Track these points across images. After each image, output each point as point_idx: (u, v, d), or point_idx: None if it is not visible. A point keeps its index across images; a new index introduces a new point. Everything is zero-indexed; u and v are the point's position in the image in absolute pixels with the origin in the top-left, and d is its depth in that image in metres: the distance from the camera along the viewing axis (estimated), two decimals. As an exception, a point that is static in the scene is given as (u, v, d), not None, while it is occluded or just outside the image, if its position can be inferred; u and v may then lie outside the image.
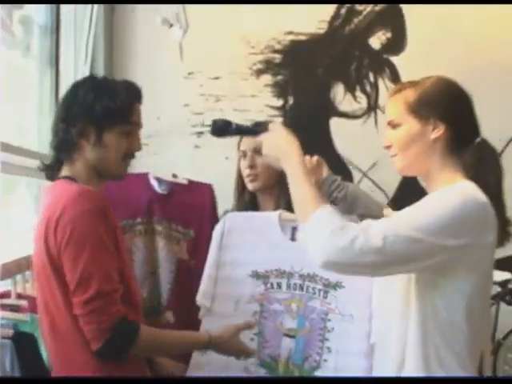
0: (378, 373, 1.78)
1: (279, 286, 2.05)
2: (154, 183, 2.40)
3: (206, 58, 4.22)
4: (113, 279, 1.64)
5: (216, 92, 4.28)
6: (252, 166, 2.30)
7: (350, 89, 4.34)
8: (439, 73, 4.10)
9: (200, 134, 4.20)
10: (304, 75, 4.29)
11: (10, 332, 1.87)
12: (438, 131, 1.64)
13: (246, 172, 2.33)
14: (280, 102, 4.31)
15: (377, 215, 2.05)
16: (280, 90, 4.33)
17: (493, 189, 1.62)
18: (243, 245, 2.08)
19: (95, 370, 1.66)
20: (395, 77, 4.36)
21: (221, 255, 2.08)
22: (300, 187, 1.60)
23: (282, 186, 2.16)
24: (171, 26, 3.48)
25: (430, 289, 1.58)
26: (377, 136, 4.15)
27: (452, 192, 1.57)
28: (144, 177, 2.41)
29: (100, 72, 3.90)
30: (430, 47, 4.22)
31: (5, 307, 2.06)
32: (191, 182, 2.44)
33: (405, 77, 4.35)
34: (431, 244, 1.48)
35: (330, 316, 2.02)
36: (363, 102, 4.36)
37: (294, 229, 2.08)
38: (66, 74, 3.44)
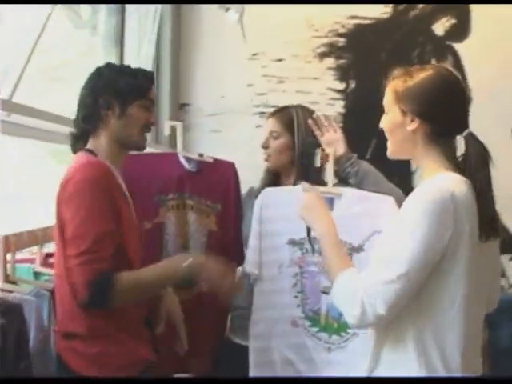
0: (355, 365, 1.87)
1: (313, 250, 2.23)
2: (184, 161, 2.53)
3: (270, 41, 4.33)
4: (102, 240, 1.84)
5: (279, 73, 4.39)
6: (265, 147, 2.42)
7: (413, 75, 4.35)
8: (502, 61, 4.09)
9: (262, 114, 4.30)
10: (366, 59, 4.33)
11: (51, 285, 2.06)
12: (413, 124, 1.71)
13: (262, 151, 2.45)
14: (342, 86, 4.37)
15: (385, 193, 2.19)
16: (342, 73, 4.39)
17: (479, 183, 1.66)
18: (279, 217, 2.29)
19: (83, 320, 1.87)
20: (458, 63, 4.34)
21: (261, 227, 2.29)
22: (329, 249, 1.75)
23: (301, 171, 2.29)
24: (227, 9, 3.61)
25: (424, 288, 1.64)
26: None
27: (418, 200, 1.60)
28: (174, 156, 2.55)
29: (166, 52, 4.09)
30: (494, 34, 4.18)
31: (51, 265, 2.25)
32: (216, 160, 2.57)
33: (468, 64, 4.33)
34: (420, 269, 1.56)
35: None
36: (425, 88, 4.36)
37: None
38: (130, 52, 3.62)
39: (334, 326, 2.27)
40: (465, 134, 1.72)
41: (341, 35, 4.35)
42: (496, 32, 4.18)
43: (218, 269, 2.00)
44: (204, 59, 4.38)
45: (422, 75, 1.75)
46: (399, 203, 2.24)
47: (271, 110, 4.32)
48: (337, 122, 2.36)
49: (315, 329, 2.27)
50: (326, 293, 2.24)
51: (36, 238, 2.12)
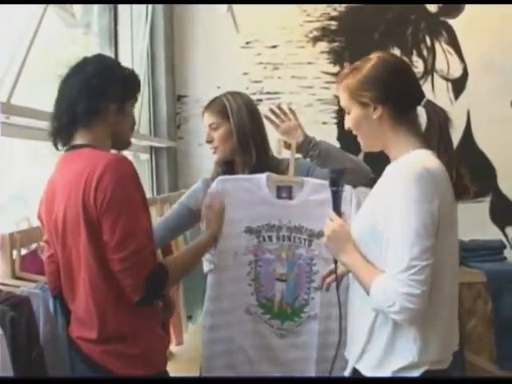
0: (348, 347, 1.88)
1: (270, 238, 2.29)
2: None
3: (263, 28, 4.37)
4: (149, 236, 1.79)
5: (273, 60, 4.43)
6: (210, 141, 2.42)
7: (407, 53, 4.37)
8: (498, 33, 4.10)
9: (259, 101, 4.34)
10: (360, 41, 4.35)
11: None
12: (377, 112, 1.74)
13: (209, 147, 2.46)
14: (336, 69, 4.40)
15: (348, 167, 2.22)
16: (336, 56, 4.42)
17: (443, 145, 1.70)
18: (236, 205, 2.27)
19: (123, 319, 1.82)
20: (453, 39, 4.37)
21: None
22: (359, 272, 1.75)
23: (243, 155, 2.36)
24: (215, 1, 3.64)
25: None
26: (434, 100, 4.17)
27: (397, 186, 1.62)
28: None
29: (160, 46, 4.13)
30: (488, 8, 4.20)
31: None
32: None
33: (463, 39, 4.35)
34: (429, 241, 1.59)
35: (315, 261, 2.28)
36: (420, 66, 4.39)
37: (279, 188, 2.30)
38: (124, 49, 3.66)
39: (287, 311, 2.29)
40: (423, 103, 1.76)
41: (333, 18, 4.38)
42: (489, 6, 4.19)
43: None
44: (198, 51, 4.42)
45: (367, 65, 1.79)
46: (365, 175, 2.31)
47: (267, 96, 4.43)
48: (292, 111, 2.38)
49: (267, 316, 2.29)
50: (282, 280, 2.28)
51: (41, 234, 2.14)
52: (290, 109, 2.38)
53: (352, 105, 1.80)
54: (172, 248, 3.13)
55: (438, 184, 1.64)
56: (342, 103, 1.83)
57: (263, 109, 4.19)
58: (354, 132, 1.83)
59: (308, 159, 2.32)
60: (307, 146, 2.30)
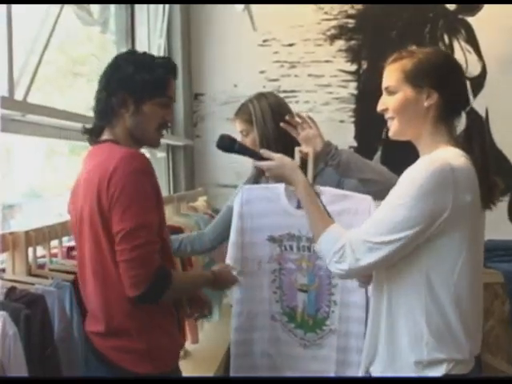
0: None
1: (291, 248, 2.31)
2: None
3: (280, 26, 4.36)
4: (155, 231, 1.81)
5: (290, 58, 4.42)
6: None
7: (425, 51, 4.34)
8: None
9: (276, 99, 4.33)
10: (377, 39, 4.33)
11: (71, 276, 2.01)
12: (431, 99, 1.72)
13: None
14: (354, 67, 4.38)
15: (371, 178, 2.23)
16: (353, 54, 4.39)
17: (478, 155, 1.69)
18: (259, 213, 2.32)
19: (130, 314, 1.83)
20: (471, 37, 4.32)
21: (242, 223, 2.32)
22: (307, 210, 1.82)
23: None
24: (233, -1, 3.64)
25: (424, 259, 1.67)
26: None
27: (417, 169, 1.62)
28: None
29: (177, 43, 4.14)
30: (507, 6, 4.15)
31: (73, 258, 2.28)
32: None
33: (481, 37, 4.31)
34: (411, 236, 1.60)
35: None
36: (438, 64, 4.36)
37: None
38: (141, 46, 3.66)
39: (309, 323, 2.31)
40: (468, 108, 1.75)
41: (350, 16, 4.36)
42: (509, 4, 4.14)
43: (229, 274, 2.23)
44: (215, 49, 4.42)
45: (426, 52, 1.77)
46: (390, 183, 2.26)
47: (284, 95, 4.41)
48: (311, 119, 2.36)
49: (292, 325, 2.32)
50: (304, 291, 2.28)
51: (55, 232, 2.15)
52: (310, 117, 2.36)
53: (404, 86, 1.75)
54: (191, 260, 3.11)
55: (457, 182, 1.62)
56: (390, 83, 1.77)
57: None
58: (391, 115, 1.77)
59: (331, 168, 2.30)
60: (325, 156, 2.27)
